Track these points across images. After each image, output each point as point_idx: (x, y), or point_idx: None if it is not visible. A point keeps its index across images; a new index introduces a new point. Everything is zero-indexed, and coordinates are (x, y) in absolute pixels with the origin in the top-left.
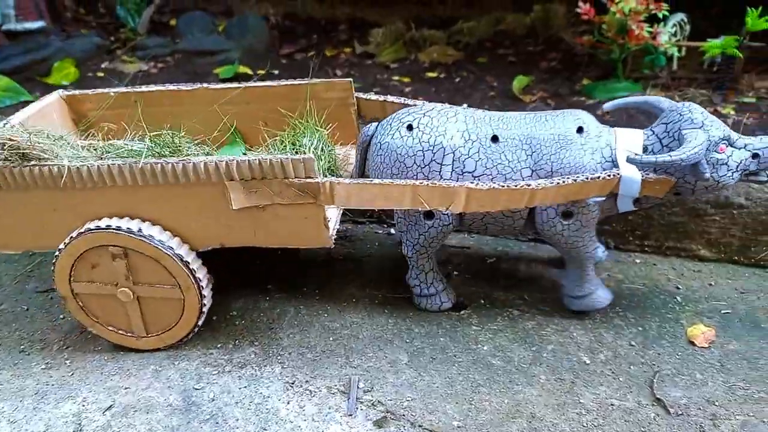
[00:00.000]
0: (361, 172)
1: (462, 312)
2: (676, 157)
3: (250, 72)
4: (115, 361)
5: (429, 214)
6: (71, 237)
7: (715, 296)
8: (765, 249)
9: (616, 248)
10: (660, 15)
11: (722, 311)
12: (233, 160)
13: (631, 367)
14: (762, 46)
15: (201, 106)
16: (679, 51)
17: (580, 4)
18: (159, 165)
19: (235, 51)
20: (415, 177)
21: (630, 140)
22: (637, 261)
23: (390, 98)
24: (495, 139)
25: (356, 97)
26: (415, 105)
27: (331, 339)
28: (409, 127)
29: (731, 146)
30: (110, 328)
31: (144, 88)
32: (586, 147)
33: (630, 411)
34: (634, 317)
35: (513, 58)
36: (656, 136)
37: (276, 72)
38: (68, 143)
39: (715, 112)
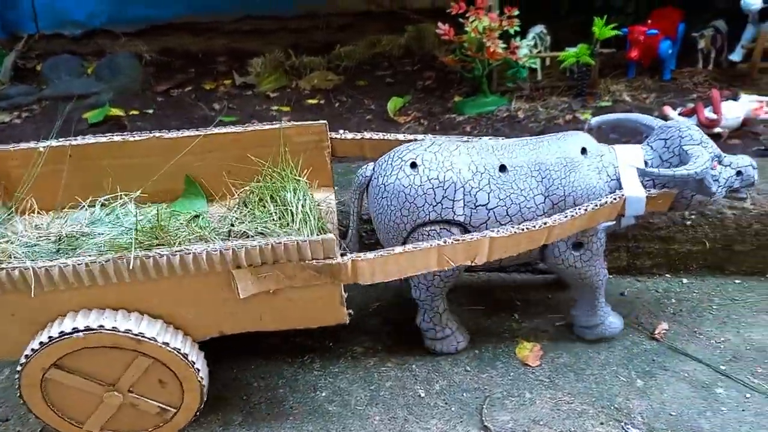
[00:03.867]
0: (358, 217)
1: (305, 357)
2: (692, 170)
3: (122, 114)
4: None
5: None
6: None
7: (551, 308)
8: None
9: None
10: (512, 31)
11: (556, 323)
12: (242, 246)
13: (464, 394)
14: (613, 51)
15: (153, 158)
16: (543, 62)
17: (440, 24)
18: (151, 259)
19: (107, 92)
20: (426, 217)
21: (631, 157)
22: (480, 280)
23: (367, 135)
24: (503, 168)
25: (331, 137)
26: (405, 140)
27: None
28: (413, 165)
29: (720, 163)
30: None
31: (80, 141)
32: (592, 167)
33: None
34: (472, 341)
35: (391, 79)
36: (655, 151)
37: (151, 111)
38: (17, 230)
39: (575, 119)
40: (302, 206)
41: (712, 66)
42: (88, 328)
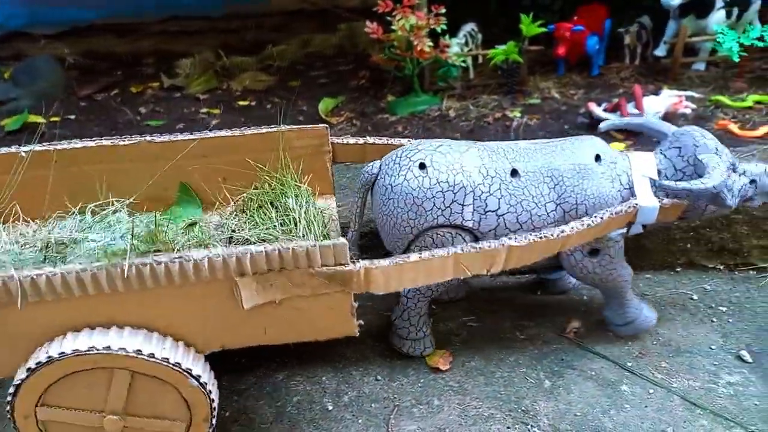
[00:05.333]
0: (361, 216)
1: None
2: (709, 184)
3: (41, 120)
4: None
5: None
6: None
7: (466, 311)
8: None
9: None
10: (438, 29)
11: (468, 324)
12: (246, 252)
13: (373, 405)
14: (542, 48)
15: (144, 163)
16: (475, 60)
17: (368, 23)
18: (147, 266)
19: (26, 98)
20: (435, 221)
21: (645, 165)
22: None
23: (370, 140)
24: (514, 173)
25: (332, 142)
26: (407, 143)
27: None
28: (422, 166)
29: (734, 172)
30: None
31: (66, 145)
32: (605, 175)
33: None
34: (384, 348)
35: (325, 79)
36: (669, 160)
37: (72, 117)
38: None
39: (504, 117)
40: (305, 213)
41: (638, 61)
42: (151, 355)
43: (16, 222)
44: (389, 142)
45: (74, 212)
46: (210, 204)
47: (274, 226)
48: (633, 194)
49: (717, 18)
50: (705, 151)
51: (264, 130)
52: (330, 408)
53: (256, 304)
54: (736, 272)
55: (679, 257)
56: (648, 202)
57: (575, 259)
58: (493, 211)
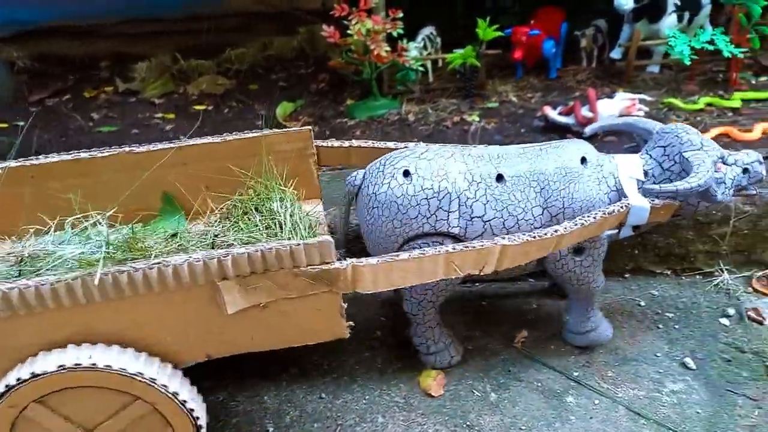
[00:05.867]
0: (345, 227)
1: None
2: (694, 183)
3: None
4: None
5: None
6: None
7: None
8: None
9: None
10: (395, 34)
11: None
12: (227, 255)
13: (315, 425)
14: (499, 52)
15: (125, 174)
16: (435, 64)
17: (324, 27)
18: (125, 274)
19: None
20: (420, 228)
21: (631, 166)
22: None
23: (355, 143)
24: (500, 178)
25: (316, 145)
26: (395, 148)
27: None
28: (406, 173)
29: (724, 164)
30: None
31: (43, 159)
32: (592, 178)
33: None
34: (329, 364)
35: (284, 83)
36: (655, 160)
37: (21, 123)
38: None
39: (462, 121)
40: (290, 216)
41: (595, 64)
42: (175, 393)
43: None
44: (374, 146)
45: (51, 227)
46: (194, 213)
47: (259, 229)
48: (620, 196)
49: (669, 22)
50: (690, 148)
51: (246, 135)
52: (270, 430)
53: (239, 309)
54: (683, 277)
55: (627, 263)
56: (639, 201)
57: (560, 254)
58: (479, 217)
